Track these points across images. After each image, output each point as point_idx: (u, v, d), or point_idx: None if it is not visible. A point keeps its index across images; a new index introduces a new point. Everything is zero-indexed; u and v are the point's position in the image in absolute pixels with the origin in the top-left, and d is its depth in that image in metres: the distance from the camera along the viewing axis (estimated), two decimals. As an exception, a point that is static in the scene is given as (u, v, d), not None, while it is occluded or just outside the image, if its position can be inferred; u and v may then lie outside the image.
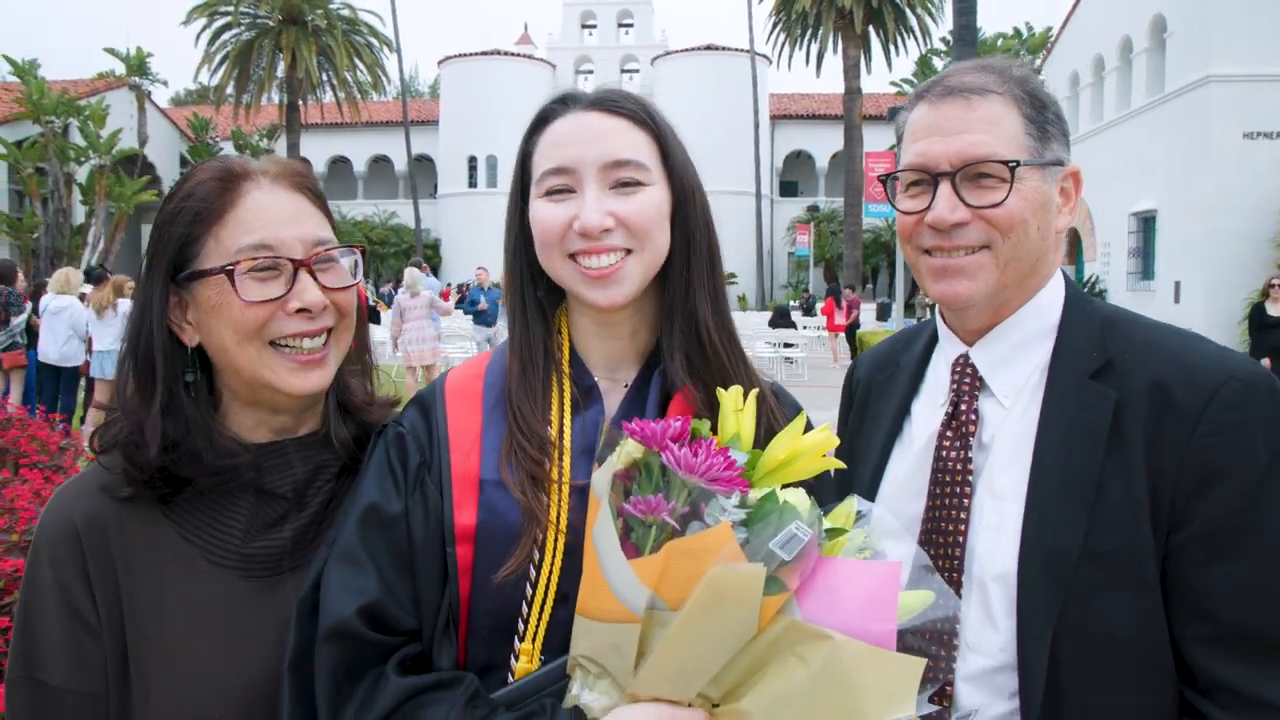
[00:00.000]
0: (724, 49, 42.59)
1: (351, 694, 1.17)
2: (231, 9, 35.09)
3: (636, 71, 47.00)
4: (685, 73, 42.37)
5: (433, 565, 1.26)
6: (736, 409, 1.22)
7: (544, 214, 1.31)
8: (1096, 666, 1.28)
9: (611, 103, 1.33)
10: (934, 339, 1.58)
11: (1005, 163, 1.34)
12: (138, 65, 36.33)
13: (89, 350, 11.74)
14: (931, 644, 1.30)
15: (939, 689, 1.35)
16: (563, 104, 1.35)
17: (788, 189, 45.98)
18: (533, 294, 1.39)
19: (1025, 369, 1.43)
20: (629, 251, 1.30)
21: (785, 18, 36.60)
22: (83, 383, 12.34)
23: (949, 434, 1.44)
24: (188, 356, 1.36)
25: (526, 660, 1.23)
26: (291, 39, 34.69)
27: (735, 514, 1.07)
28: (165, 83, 42.97)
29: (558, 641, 1.21)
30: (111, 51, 36.19)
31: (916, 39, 35.84)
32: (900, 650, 1.09)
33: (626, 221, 1.28)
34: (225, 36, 35.63)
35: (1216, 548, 1.25)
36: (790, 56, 37.51)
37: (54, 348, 11.54)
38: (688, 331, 1.35)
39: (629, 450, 1.15)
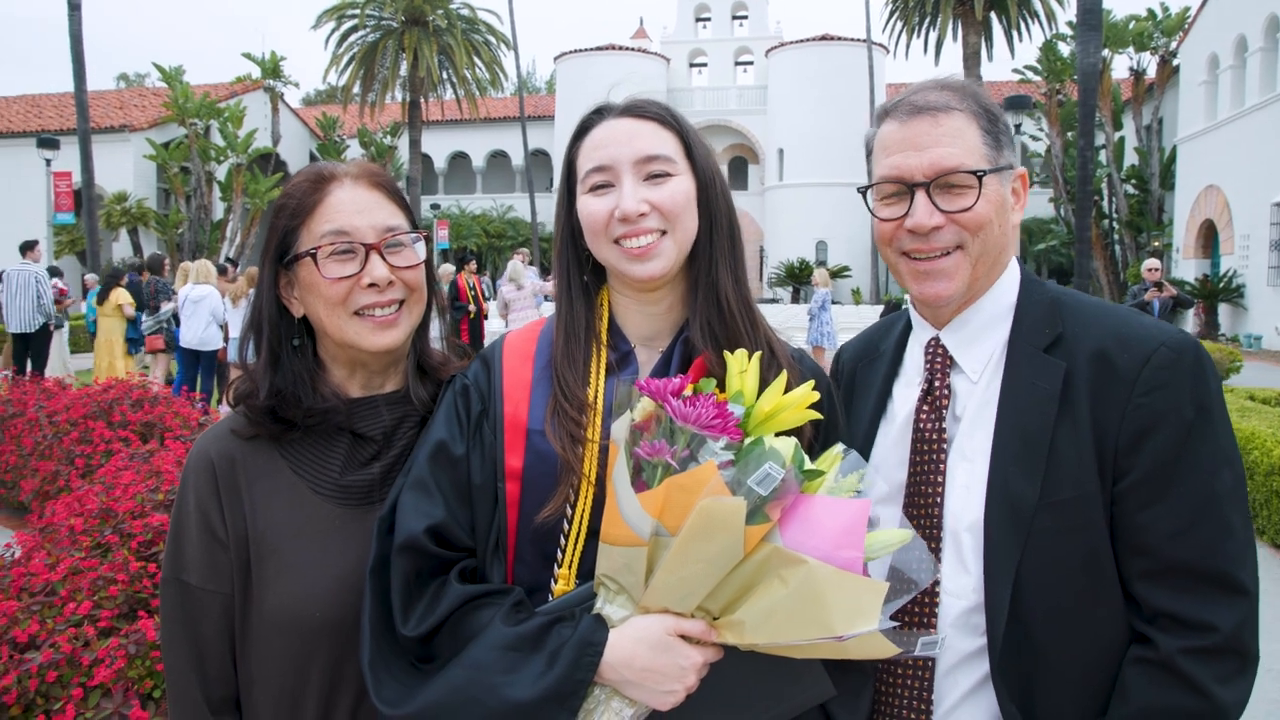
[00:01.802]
0: (839, 39, 42.03)
1: (421, 596, 1.42)
2: (358, 12, 36.58)
3: (750, 64, 46.83)
4: (799, 64, 42.00)
5: (487, 497, 1.50)
6: (741, 370, 1.42)
7: (590, 207, 1.53)
8: (1053, 599, 1.45)
9: (639, 109, 1.55)
10: (909, 326, 1.76)
11: (973, 172, 1.53)
12: (272, 69, 38.33)
13: (226, 338, 12.61)
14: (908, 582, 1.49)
15: (923, 623, 1.53)
16: (598, 114, 1.57)
17: (904, 180, 44.94)
18: (578, 277, 1.61)
19: (988, 347, 1.61)
20: (663, 233, 1.51)
21: (903, 5, 35.96)
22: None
23: (925, 408, 1.63)
24: (295, 325, 1.66)
25: (564, 583, 1.46)
26: (414, 39, 35.93)
27: (722, 455, 1.27)
28: (297, 84, 45.19)
29: (590, 569, 1.43)
30: (249, 56, 38.29)
31: (1041, 24, 34.69)
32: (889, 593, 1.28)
33: (660, 207, 1.50)
34: (352, 39, 37.17)
35: (1152, 492, 1.43)
36: (908, 45, 36.78)
37: (194, 333, 12.41)
38: (709, 299, 1.55)
39: (644, 404, 1.37)
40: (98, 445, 6.59)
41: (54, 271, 17.09)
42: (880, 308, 26.33)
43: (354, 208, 1.60)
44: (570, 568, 1.46)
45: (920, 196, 1.55)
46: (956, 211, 1.54)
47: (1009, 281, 1.64)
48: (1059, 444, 1.47)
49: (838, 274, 37.75)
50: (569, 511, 1.47)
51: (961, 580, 1.52)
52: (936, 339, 1.66)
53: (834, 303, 19.32)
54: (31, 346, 14.43)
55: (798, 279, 40.20)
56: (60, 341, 15.00)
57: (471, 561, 1.48)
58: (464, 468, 1.51)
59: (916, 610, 1.53)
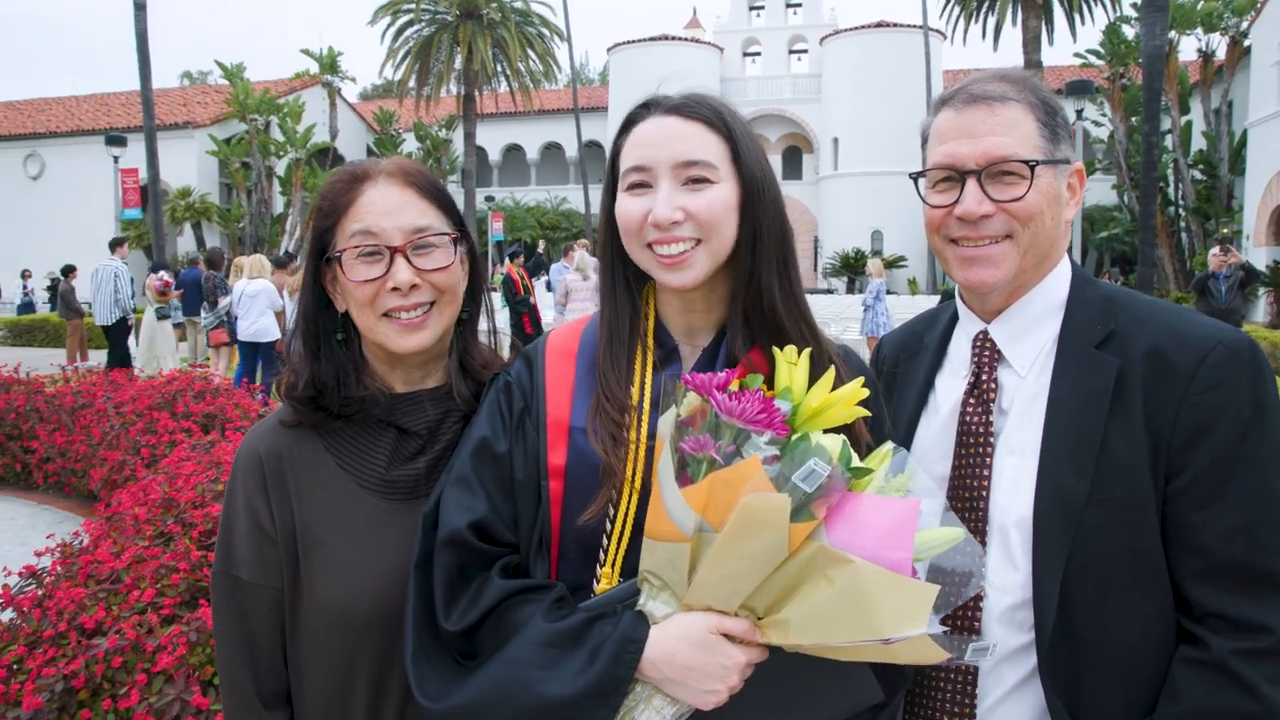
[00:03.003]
0: (895, 26, 41.41)
1: (464, 591, 1.42)
2: (413, 6, 36.94)
3: (805, 52, 46.35)
4: (854, 52, 41.45)
5: (530, 494, 1.50)
6: (790, 362, 1.40)
7: (625, 207, 1.50)
8: (1102, 597, 1.44)
9: (688, 108, 1.50)
10: (954, 319, 1.74)
11: (1025, 162, 1.51)
12: (329, 64, 38.92)
13: (284, 329, 12.83)
14: (959, 577, 1.46)
15: (968, 625, 1.51)
16: (646, 109, 1.53)
17: (963, 168, 44.29)
18: (622, 274, 1.58)
19: (1038, 342, 1.59)
20: (698, 241, 1.46)
21: (961, -10, 35.32)
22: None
23: (971, 401, 1.61)
24: (339, 319, 1.67)
25: (607, 582, 1.44)
26: (468, 32, 36.20)
27: (766, 450, 1.26)
28: (354, 79, 45.90)
29: (633, 568, 1.42)
30: (306, 52, 38.93)
31: (1104, 6, 33.81)
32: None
33: (695, 215, 1.45)
34: (408, 33, 37.58)
35: (1207, 491, 1.41)
36: (965, 31, 36.12)
37: (250, 326, 12.61)
38: (755, 309, 1.51)
39: (690, 399, 1.36)
40: (162, 436, 6.76)
41: (160, 265, 17.42)
42: (936, 298, 25.89)
43: (382, 208, 1.59)
44: (613, 566, 1.45)
45: (971, 184, 1.53)
46: (1007, 201, 1.52)
47: (1060, 277, 1.62)
48: (1111, 441, 1.45)
49: (893, 264, 37.30)
50: (611, 512, 1.46)
51: (1009, 576, 1.51)
52: (985, 332, 1.64)
53: (889, 293, 19.05)
54: (109, 338, 15.04)
55: (853, 269, 39.79)
56: (165, 332, 15.29)
57: (515, 557, 1.48)
58: (506, 464, 1.51)
59: (960, 605, 1.51)
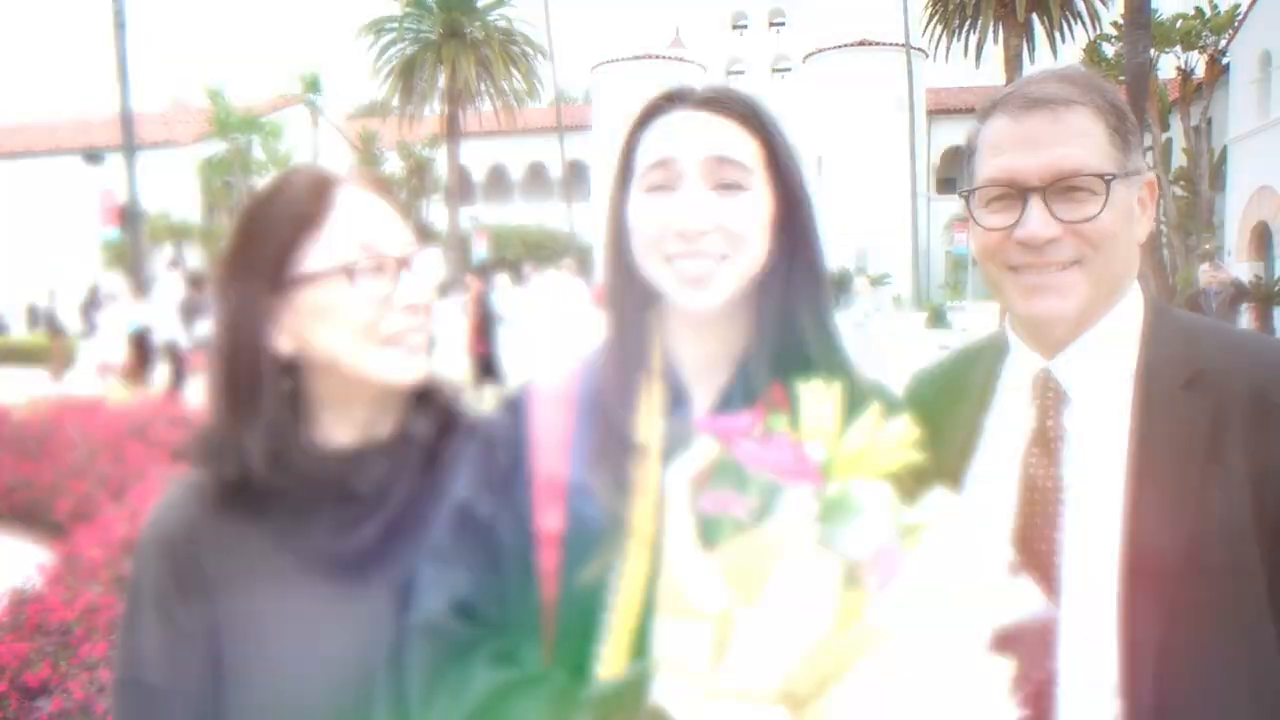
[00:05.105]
0: (878, 44, 41.73)
1: (444, 686, 1.19)
2: (396, 25, 36.86)
3: (788, 70, 46.61)
4: (837, 70, 41.77)
5: (520, 565, 1.27)
6: (818, 401, 1.19)
7: (644, 211, 1.29)
8: (1206, 682, 1.22)
9: (720, 103, 1.30)
10: (999, 354, 1.52)
11: (1100, 176, 1.30)
12: (311, 83, 38.79)
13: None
14: (1028, 655, 1.25)
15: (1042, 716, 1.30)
16: (669, 100, 1.32)
17: (947, 186, 44.67)
18: (630, 291, 1.36)
19: (1111, 381, 1.37)
20: (723, 257, 1.26)
21: (942, 8, 35.42)
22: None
23: (1035, 450, 1.39)
24: (281, 364, 1.36)
25: (611, 665, 1.22)
26: (452, 51, 36.13)
27: (804, 507, 1.05)
28: (336, 98, 45.63)
29: (643, 646, 1.19)
30: (288, 71, 38.77)
31: (1085, 24, 34.07)
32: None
33: (725, 226, 1.25)
34: (390, 52, 37.47)
35: None
36: (948, 49, 36.27)
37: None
38: (783, 337, 1.31)
39: (706, 447, 1.15)
40: (131, 466, 6.50)
41: None
42: (923, 314, 25.92)
43: (376, 217, 1.36)
44: (619, 646, 1.22)
45: (1035, 202, 1.31)
46: (1078, 221, 1.30)
47: (1131, 306, 1.40)
48: (1210, 499, 1.23)
49: (878, 282, 37.35)
50: (616, 579, 1.23)
51: (1088, 657, 1.28)
52: (1046, 371, 1.42)
53: (876, 310, 18.93)
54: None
55: (838, 287, 39.87)
56: None
57: (503, 641, 1.25)
58: (491, 531, 1.28)
59: (1032, 692, 1.28)
